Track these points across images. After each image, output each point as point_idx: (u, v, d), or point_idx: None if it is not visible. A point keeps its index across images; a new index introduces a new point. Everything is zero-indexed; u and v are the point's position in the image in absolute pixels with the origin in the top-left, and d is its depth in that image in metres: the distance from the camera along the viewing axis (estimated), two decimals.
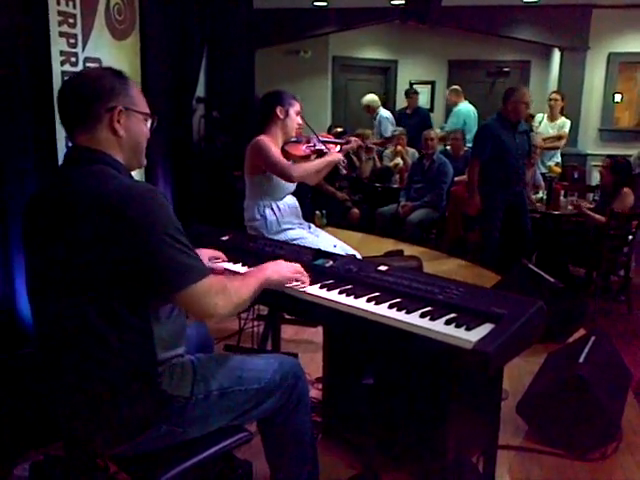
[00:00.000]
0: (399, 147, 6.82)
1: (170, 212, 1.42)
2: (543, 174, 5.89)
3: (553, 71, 8.37)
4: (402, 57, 9.34)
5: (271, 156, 2.74)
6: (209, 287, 1.44)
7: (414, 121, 7.41)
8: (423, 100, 8.21)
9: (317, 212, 6.21)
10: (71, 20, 3.01)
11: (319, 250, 2.12)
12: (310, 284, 1.83)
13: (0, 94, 2.60)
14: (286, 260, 1.88)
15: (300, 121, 2.90)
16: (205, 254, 2.05)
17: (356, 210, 6.39)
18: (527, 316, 1.57)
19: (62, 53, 2.95)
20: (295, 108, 2.86)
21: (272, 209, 2.85)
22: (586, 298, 4.05)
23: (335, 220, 6.22)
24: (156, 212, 1.39)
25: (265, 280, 1.66)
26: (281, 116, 2.83)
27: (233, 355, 1.75)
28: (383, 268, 1.90)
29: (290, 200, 2.95)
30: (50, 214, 1.43)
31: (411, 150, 6.90)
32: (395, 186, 6.53)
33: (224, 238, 2.32)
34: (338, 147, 3.07)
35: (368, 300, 1.70)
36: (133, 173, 1.63)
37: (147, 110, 1.59)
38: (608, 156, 4.60)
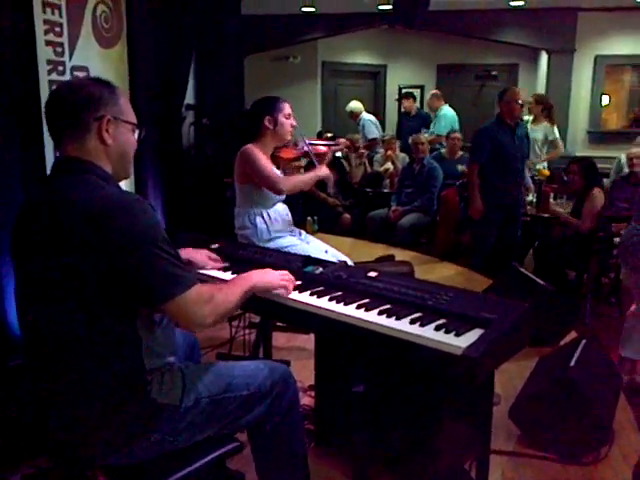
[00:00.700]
0: (389, 152, 6.85)
1: (157, 222, 1.42)
2: (532, 177, 5.92)
3: (541, 74, 8.43)
4: (391, 62, 9.39)
5: (261, 168, 2.73)
6: (196, 297, 1.44)
7: (416, 124, 7.44)
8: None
9: (308, 218, 6.22)
10: (57, 29, 3.00)
11: (309, 257, 2.11)
12: (300, 291, 1.82)
13: None
14: (275, 268, 1.87)
15: (294, 123, 2.89)
16: (205, 253, 2.09)
17: (347, 215, 6.40)
18: (516, 320, 1.57)
19: (49, 62, 2.94)
20: (284, 112, 2.83)
21: (262, 217, 2.84)
22: (577, 301, 4.06)
23: (326, 226, 6.23)
24: (143, 222, 1.38)
25: (251, 287, 1.66)
26: (270, 126, 2.81)
27: (223, 362, 1.74)
28: (373, 274, 1.90)
29: (280, 207, 2.94)
30: (38, 224, 1.43)
31: (401, 155, 6.93)
32: (386, 191, 6.54)
33: (214, 246, 2.31)
34: (326, 148, 3.06)
35: (358, 307, 1.69)
36: (123, 181, 1.62)
37: (135, 120, 1.59)
38: (571, 161, 4.54)
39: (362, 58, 9.34)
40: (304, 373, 2.68)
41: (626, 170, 5.54)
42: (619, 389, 2.72)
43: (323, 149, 3.04)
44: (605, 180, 5.81)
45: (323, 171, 2.87)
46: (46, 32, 2.90)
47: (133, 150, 1.61)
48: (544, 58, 8.17)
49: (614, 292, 4.37)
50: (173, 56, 4.91)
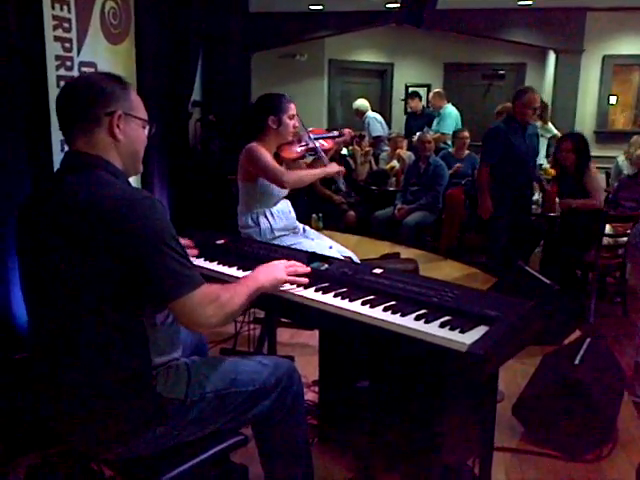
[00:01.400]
0: (398, 149, 6.86)
1: (167, 220, 1.42)
2: (537, 176, 5.91)
3: (548, 73, 8.40)
4: (398, 60, 9.37)
5: (265, 164, 2.73)
6: (202, 297, 1.44)
7: (423, 122, 7.44)
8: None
9: (313, 215, 6.21)
10: (66, 24, 3.01)
11: (314, 253, 2.12)
12: (305, 287, 1.83)
13: None
14: None
15: (297, 124, 2.88)
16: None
17: (352, 213, 6.39)
18: (521, 318, 1.57)
19: (57, 57, 2.95)
20: (289, 112, 2.83)
21: (266, 216, 2.84)
22: (582, 300, 4.06)
23: (331, 223, 6.22)
24: (153, 220, 1.38)
25: (258, 288, 1.64)
26: (274, 126, 2.80)
27: (228, 357, 1.75)
28: (378, 271, 1.90)
29: (283, 206, 2.94)
30: (46, 219, 1.43)
31: (408, 153, 6.92)
32: (391, 189, 6.53)
33: (219, 242, 2.32)
34: (331, 142, 3.04)
35: (363, 303, 1.70)
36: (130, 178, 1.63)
37: (146, 116, 1.59)
38: (562, 138, 4.43)
39: (369, 56, 9.32)
40: (308, 369, 2.69)
41: (625, 172, 5.52)
42: (623, 387, 2.72)
43: (328, 144, 3.02)
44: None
45: (332, 168, 2.86)
46: (55, 28, 2.91)
47: (143, 146, 1.60)
48: (552, 58, 8.14)
49: (619, 291, 4.36)
50: (180, 53, 4.92)
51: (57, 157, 2.95)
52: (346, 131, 3.13)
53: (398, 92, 9.37)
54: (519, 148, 4.28)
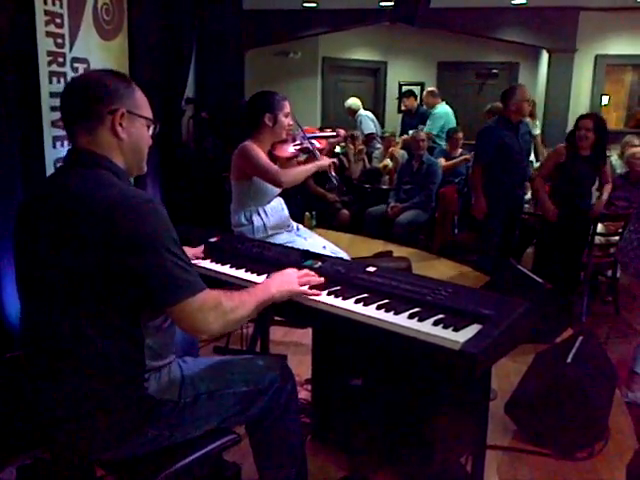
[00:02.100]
0: (391, 148, 6.88)
1: (168, 224, 1.39)
2: (530, 175, 5.93)
3: (541, 73, 8.43)
4: (391, 58, 9.37)
5: (260, 163, 2.73)
6: (203, 303, 1.41)
7: (416, 121, 7.48)
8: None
9: (307, 213, 6.21)
10: (58, 20, 2.98)
11: (307, 251, 2.11)
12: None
13: None
14: (274, 262, 1.86)
15: (291, 122, 2.88)
16: (191, 253, 2.04)
17: (345, 211, 6.40)
18: (514, 317, 1.58)
19: (49, 53, 2.92)
20: (284, 111, 2.83)
21: (259, 214, 2.84)
22: (574, 298, 4.07)
23: (324, 221, 6.22)
24: (153, 224, 1.36)
25: (269, 299, 1.61)
26: (270, 124, 2.80)
27: (221, 357, 1.74)
28: (371, 269, 1.90)
29: (276, 203, 2.94)
30: (45, 217, 1.41)
31: (401, 151, 6.93)
32: (384, 187, 6.55)
33: (212, 239, 2.32)
34: (324, 142, 3.05)
35: (356, 301, 1.70)
36: None
37: (150, 115, 1.57)
38: (580, 118, 4.18)
39: (363, 54, 9.32)
40: (301, 367, 2.69)
41: (618, 171, 5.54)
42: (615, 386, 2.73)
43: (321, 144, 3.02)
44: None
45: (323, 161, 2.86)
46: (47, 23, 2.88)
47: (147, 146, 1.58)
48: (545, 57, 8.17)
49: (610, 290, 4.38)
50: (174, 49, 4.90)
51: (49, 154, 2.93)
52: (340, 131, 3.13)
53: (391, 90, 9.38)
54: (512, 148, 4.28)
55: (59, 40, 3.01)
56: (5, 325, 2.64)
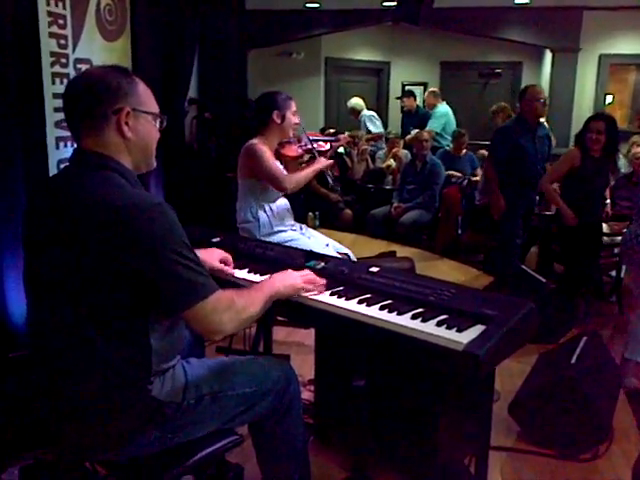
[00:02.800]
0: (395, 149, 6.88)
1: (177, 227, 1.37)
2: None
3: (545, 72, 8.41)
4: (395, 58, 9.36)
5: (266, 166, 2.75)
6: (217, 304, 1.41)
7: (416, 121, 7.50)
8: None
9: (310, 213, 6.21)
10: (61, 21, 2.99)
11: (310, 252, 2.11)
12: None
13: None
14: (277, 262, 1.86)
15: (297, 120, 2.91)
16: (216, 256, 1.98)
17: (349, 211, 6.39)
18: (518, 317, 1.57)
19: (52, 54, 2.93)
20: (292, 109, 2.88)
21: (265, 211, 2.86)
22: (578, 299, 4.06)
23: (328, 221, 6.22)
24: (162, 227, 1.33)
25: (274, 294, 1.61)
26: (278, 121, 2.84)
27: (224, 359, 1.73)
28: (374, 269, 1.89)
29: (282, 202, 2.96)
30: (53, 219, 1.39)
31: (404, 151, 6.93)
32: (388, 187, 6.54)
33: (215, 240, 2.31)
34: (328, 145, 3.09)
35: (359, 302, 1.69)
36: None
37: (156, 109, 1.54)
38: (591, 119, 3.94)
39: (366, 55, 9.31)
40: (304, 367, 2.69)
41: (623, 170, 5.52)
42: (619, 386, 2.72)
43: (325, 146, 3.07)
44: None
45: (322, 163, 2.89)
46: (50, 24, 2.89)
47: (155, 141, 1.55)
48: (548, 57, 8.14)
49: (614, 290, 4.36)
50: (176, 50, 4.90)
51: (53, 155, 2.93)
52: (341, 136, 3.18)
53: (395, 91, 9.36)
54: (527, 150, 4.10)
55: (62, 41, 3.01)
56: (9, 325, 2.64)
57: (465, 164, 6.20)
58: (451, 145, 6.55)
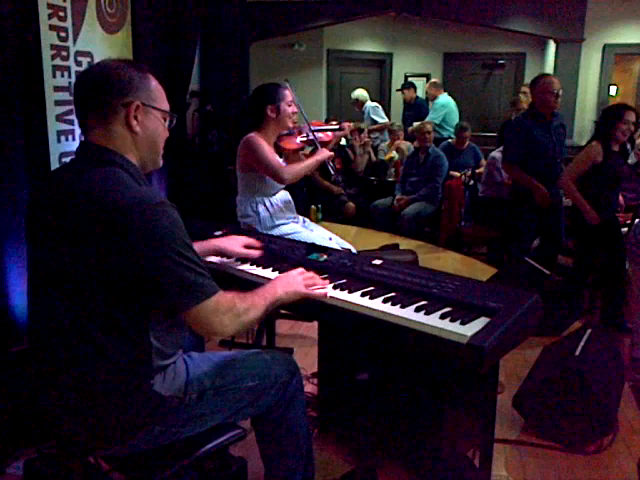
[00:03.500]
0: (398, 140, 6.86)
1: (179, 227, 1.36)
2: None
3: (548, 63, 8.36)
4: (397, 50, 9.31)
5: (264, 158, 2.72)
6: (217, 306, 1.40)
7: (415, 112, 7.52)
8: (419, 93, 8.21)
9: (312, 206, 6.20)
10: (61, 13, 2.97)
11: (313, 244, 2.10)
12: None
13: None
14: (279, 255, 1.85)
15: (295, 109, 2.87)
16: (240, 242, 1.96)
17: (351, 204, 6.38)
18: (522, 309, 1.56)
19: (53, 47, 2.91)
20: (287, 100, 2.82)
21: (265, 205, 2.84)
22: (582, 291, 4.04)
23: (330, 214, 6.21)
24: (164, 227, 1.32)
25: (276, 300, 1.61)
26: (273, 115, 2.80)
27: (226, 352, 1.73)
28: (377, 262, 1.88)
29: (283, 195, 2.94)
30: (55, 214, 1.38)
31: (407, 143, 6.90)
32: (390, 179, 6.52)
33: (217, 233, 2.30)
34: (331, 134, 3.03)
35: (362, 294, 1.68)
36: None
37: (167, 107, 1.52)
38: (626, 108, 3.68)
39: (368, 46, 9.27)
40: (307, 360, 2.69)
41: (629, 161, 5.49)
42: (624, 379, 2.71)
43: (327, 137, 3.02)
44: None
45: (322, 154, 2.85)
46: (50, 16, 2.87)
47: (163, 140, 1.54)
48: (552, 47, 8.09)
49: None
50: (178, 42, 4.88)
51: (54, 148, 2.92)
52: (345, 124, 3.11)
53: (397, 82, 9.31)
54: (543, 143, 3.84)
55: (62, 34, 2.99)
56: (11, 320, 2.64)
57: (468, 157, 6.18)
58: (453, 137, 6.53)
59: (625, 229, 3.99)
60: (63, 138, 2.96)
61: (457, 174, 5.85)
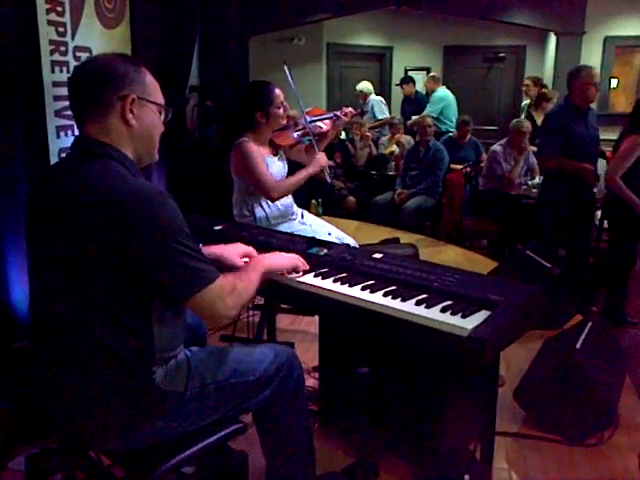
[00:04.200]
0: (398, 134, 6.85)
1: (178, 216, 1.37)
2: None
3: (549, 56, 8.33)
4: (397, 43, 9.28)
5: (254, 172, 2.70)
6: (221, 289, 1.42)
7: (414, 106, 7.53)
8: (418, 87, 8.20)
9: (313, 201, 6.20)
10: (59, 8, 2.96)
11: (313, 238, 2.10)
12: (304, 273, 1.81)
13: None
14: (281, 249, 1.85)
15: (287, 107, 2.86)
16: (238, 252, 1.91)
17: (352, 198, 6.37)
18: (523, 303, 1.56)
19: (51, 42, 2.90)
20: (276, 102, 2.78)
21: (261, 206, 2.82)
22: (583, 283, 4.04)
23: (331, 208, 6.21)
24: (164, 218, 1.33)
25: (266, 271, 1.65)
26: (263, 120, 2.79)
27: (228, 347, 1.73)
28: (378, 256, 1.88)
29: None
30: (54, 208, 1.38)
31: (407, 137, 6.89)
32: (391, 173, 6.51)
33: (217, 228, 2.30)
34: (329, 123, 3.01)
35: (363, 288, 1.68)
36: None
37: (162, 101, 1.53)
38: None
39: (368, 40, 9.24)
40: (308, 355, 2.69)
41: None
42: (624, 371, 2.71)
43: (326, 125, 2.99)
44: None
45: (315, 166, 2.81)
46: (48, 11, 2.86)
47: (159, 133, 1.54)
48: (552, 40, 8.05)
49: None
50: (177, 37, 4.85)
51: (53, 144, 2.91)
52: (348, 110, 3.07)
53: (397, 76, 9.28)
54: (581, 137, 3.70)
55: (61, 29, 2.98)
56: (12, 316, 2.65)
57: (470, 151, 6.16)
58: (451, 130, 6.52)
59: None
60: (62, 133, 2.95)
61: (459, 167, 5.85)
